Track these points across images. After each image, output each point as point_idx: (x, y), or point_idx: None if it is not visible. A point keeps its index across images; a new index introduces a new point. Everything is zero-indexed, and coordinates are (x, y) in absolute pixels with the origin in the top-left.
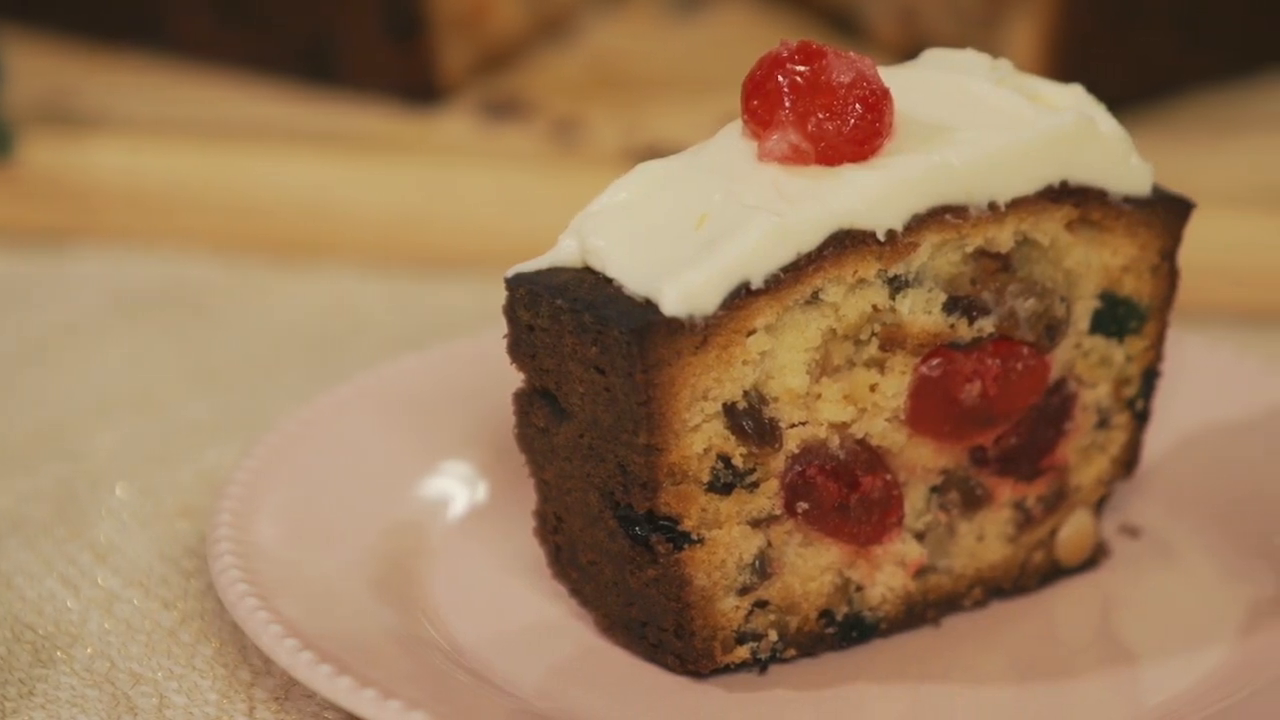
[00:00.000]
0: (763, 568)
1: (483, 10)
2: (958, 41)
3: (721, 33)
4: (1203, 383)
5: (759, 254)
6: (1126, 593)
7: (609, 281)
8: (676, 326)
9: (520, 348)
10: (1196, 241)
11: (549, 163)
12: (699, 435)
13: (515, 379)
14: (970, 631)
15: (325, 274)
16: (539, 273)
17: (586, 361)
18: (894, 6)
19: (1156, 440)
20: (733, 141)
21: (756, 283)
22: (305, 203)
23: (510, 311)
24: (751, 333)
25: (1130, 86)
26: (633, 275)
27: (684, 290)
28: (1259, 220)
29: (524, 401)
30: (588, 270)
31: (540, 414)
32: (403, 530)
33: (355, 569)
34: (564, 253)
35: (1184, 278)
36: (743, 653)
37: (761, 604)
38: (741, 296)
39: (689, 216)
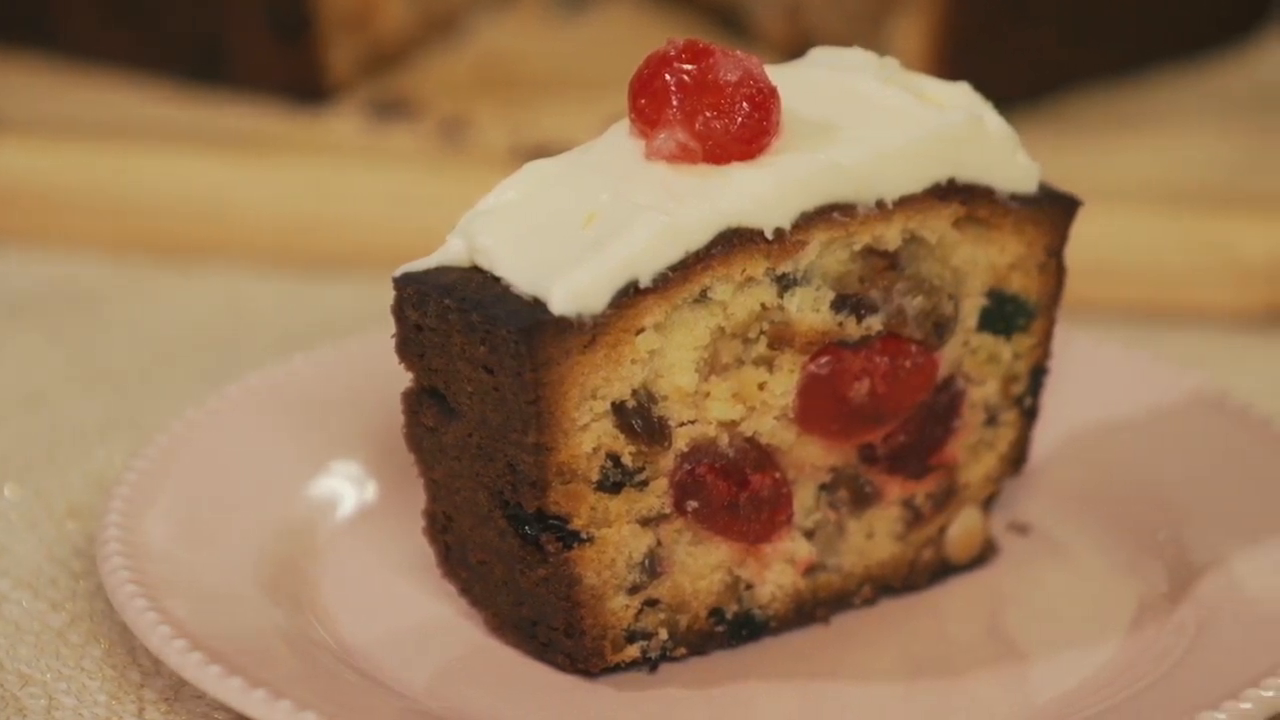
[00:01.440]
0: (653, 566)
1: (370, 10)
2: (844, 39)
3: (609, 32)
4: (1090, 380)
5: (647, 253)
6: (1015, 590)
7: (497, 281)
8: (565, 325)
9: (409, 347)
10: (1086, 240)
11: (437, 162)
12: (588, 434)
13: (404, 378)
14: (860, 629)
15: (214, 274)
16: (427, 272)
17: (475, 361)
18: (780, 4)
19: (1045, 438)
20: (620, 140)
21: (645, 281)
22: (193, 203)
23: (398, 311)
24: (640, 331)
25: (1018, 85)
26: (521, 274)
27: (572, 289)
28: (1148, 218)
29: (413, 401)
30: (475, 269)
31: (429, 413)
32: (293, 530)
33: (245, 569)
34: (452, 252)
35: (1074, 276)
36: (633, 651)
37: (652, 602)
38: (630, 295)
39: (577, 215)
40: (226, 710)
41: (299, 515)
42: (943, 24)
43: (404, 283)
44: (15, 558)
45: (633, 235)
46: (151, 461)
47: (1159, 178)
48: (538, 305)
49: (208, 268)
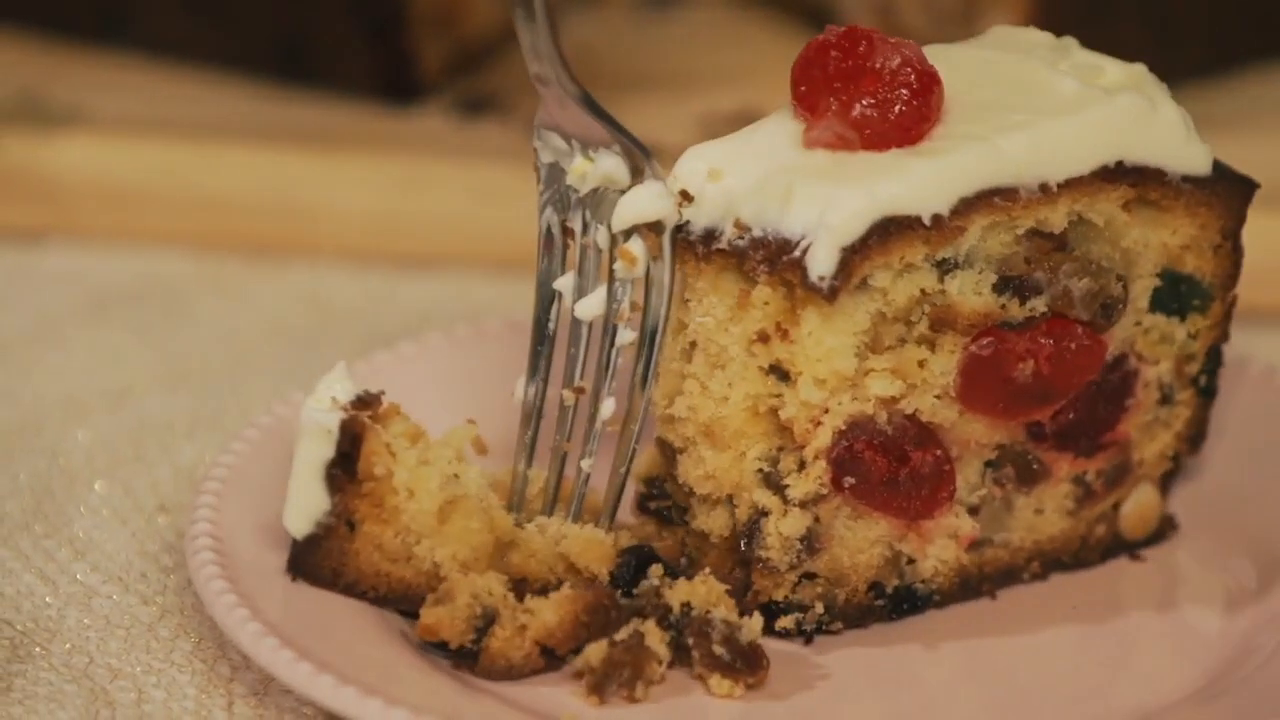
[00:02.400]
0: (811, 544)
1: (459, 8)
2: (933, 39)
3: (696, 30)
4: None
5: None
6: (1190, 569)
7: None
8: None
9: None
10: None
11: (525, 159)
12: None
13: (487, 372)
14: (1029, 603)
15: (301, 271)
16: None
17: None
18: (870, 3)
19: None
20: (784, 124)
21: None
22: (280, 199)
23: None
24: None
25: None
26: None
27: None
28: None
29: None
30: None
31: None
32: None
33: None
34: None
35: None
36: (787, 622)
37: (809, 576)
38: None
39: None
40: (316, 705)
41: None
42: (1031, 23)
43: None
44: (105, 552)
45: None
46: (240, 457)
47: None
48: None
49: (294, 265)
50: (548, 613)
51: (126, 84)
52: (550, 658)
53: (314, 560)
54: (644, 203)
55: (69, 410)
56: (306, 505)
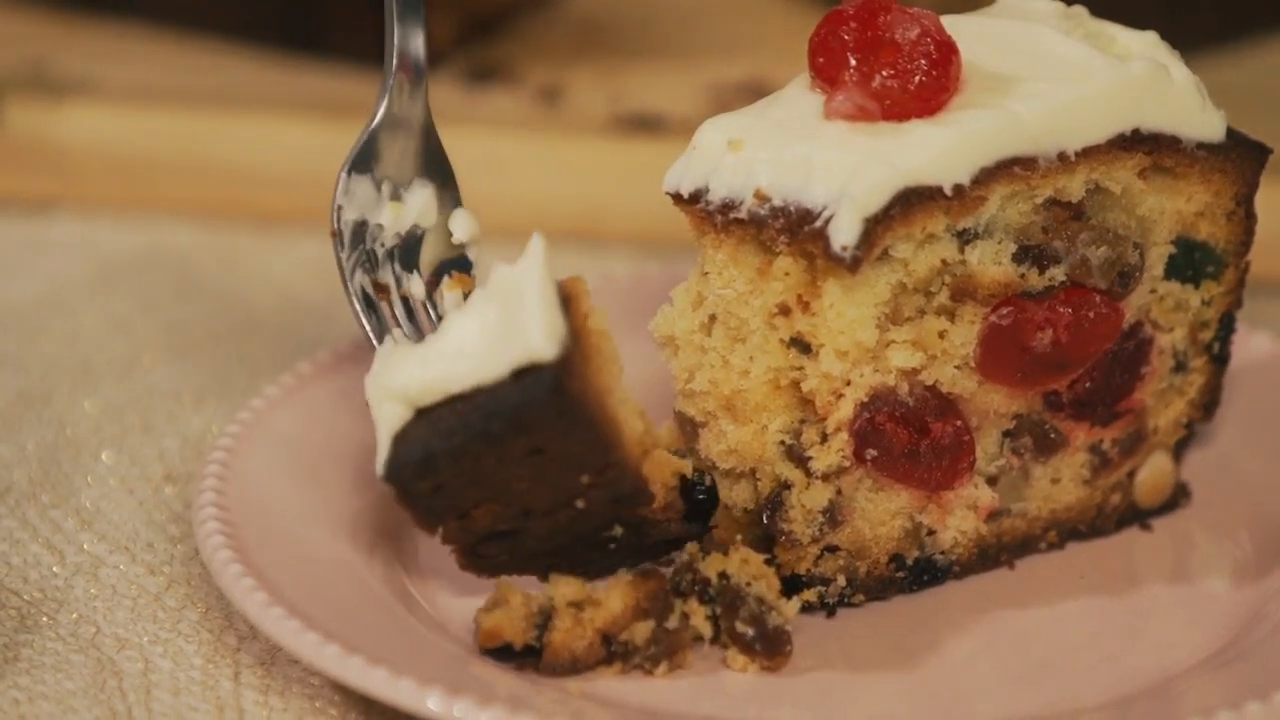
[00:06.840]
0: (833, 516)
1: None
2: (940, 8)
3: (706, 0)
4: None
5: None
6: (1201, 537)
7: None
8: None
9: (435, 515)
10: None
11: (534, 129)
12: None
13: None
14: (1046, 573)
15: (309, 240)
16: (405, 444)
17: (517, 454)
18: None
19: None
20: (802, 95)
21: None
22: (288, 170)
23: (405, 495)
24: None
25: None
26: None
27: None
28: None
29: (466, 555)
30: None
31: (491, 547)
32: (388, 496)
33: (340, 535)
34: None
35: None
36: (809, 596)
37: (831, 549)
38: None
39: None
40: (323, 675)
41: None
42: None
43: (397, 470)
44: (112, 522)
45: None
46: (246, 427)
47: None
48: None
49: (302, 234)
50: (613, 600)
51: (135, 53)
52: (610, 648)
53: (567, 375)
54: (468, 222)
55: (77, 380)
56: (550, 321)
